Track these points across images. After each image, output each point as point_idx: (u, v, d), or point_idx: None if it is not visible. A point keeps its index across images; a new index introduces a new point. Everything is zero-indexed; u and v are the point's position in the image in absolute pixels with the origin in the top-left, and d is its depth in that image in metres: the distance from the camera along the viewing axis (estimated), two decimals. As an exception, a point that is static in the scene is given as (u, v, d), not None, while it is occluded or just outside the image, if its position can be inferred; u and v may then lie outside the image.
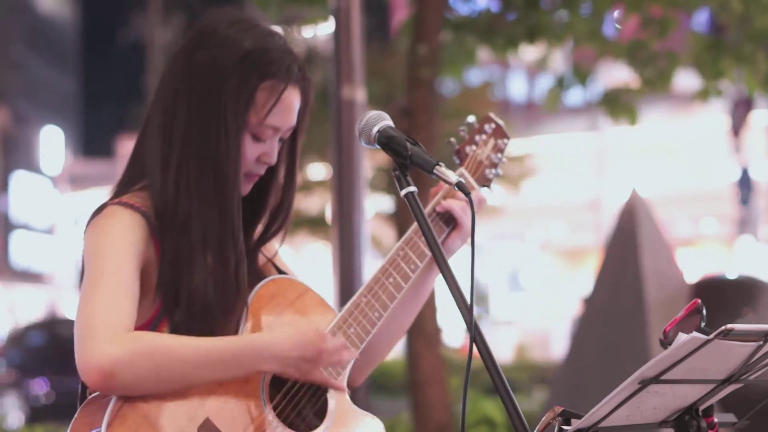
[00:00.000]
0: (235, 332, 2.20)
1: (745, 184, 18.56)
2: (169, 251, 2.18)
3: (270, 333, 2.18)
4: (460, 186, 2.07)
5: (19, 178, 46.89)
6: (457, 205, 2.43)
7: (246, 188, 2.27)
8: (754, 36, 7.14)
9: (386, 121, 2.17)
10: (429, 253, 2.37)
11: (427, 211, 2.41)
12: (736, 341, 1.79)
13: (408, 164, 2.12)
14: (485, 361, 1.94)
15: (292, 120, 2.27)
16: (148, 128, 2.27)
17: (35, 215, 47.92)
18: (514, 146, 2.62)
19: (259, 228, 2.37)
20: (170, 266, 2.17)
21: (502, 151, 2.54)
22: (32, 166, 48.77)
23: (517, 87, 29.26)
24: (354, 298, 2.30)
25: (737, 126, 17.39)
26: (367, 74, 6.12)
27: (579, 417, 1.84)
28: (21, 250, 46.23)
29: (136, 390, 2.03)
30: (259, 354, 2.10)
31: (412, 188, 2.11)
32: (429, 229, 2.09)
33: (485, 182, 2.52)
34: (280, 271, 2.39)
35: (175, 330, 2.16)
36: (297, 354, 2.12)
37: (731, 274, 6.24)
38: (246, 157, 2.23)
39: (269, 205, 2.36)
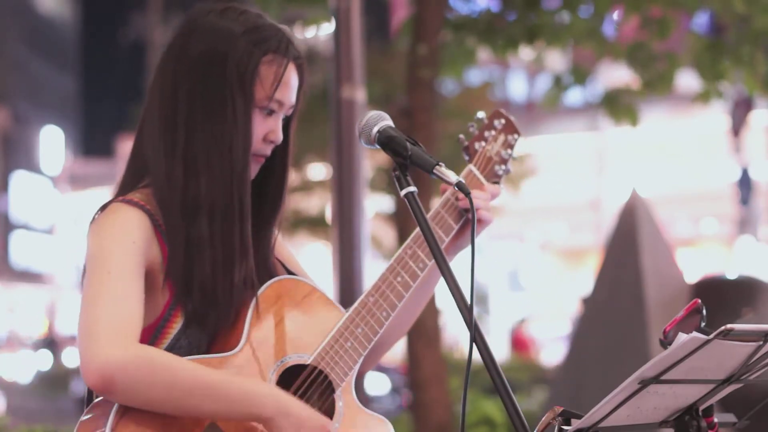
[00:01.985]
0: (241, 324, 2.17)
1: (745, 184, 18.56)
2: (180, 240, 2.15)
3: (290, 398, 2.10)
4: (459, 186, 2.07)
5: (19, 178, 46.93)
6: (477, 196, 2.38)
7: (254, 170, 2.25)
8: (754, 37, 7.13)
9: (386, 121, 2.17)
10: None
11: (435, 209, 2.39)
12: (736, 341, 1.79)
13: (408, 164, 2.12)
14: (485, 361, 1.94)
15: (293, 96, 2.27)
16: (145, 125, 2.25)
17: (35, 215, 47.96)
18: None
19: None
20: (182, 255, 2.15)
21: (512, 146, 2.50)
22: (32, 166, 48.81)
23: (517, 87, 29.27)
24: (361, 297, 2.29)
25: (737, 126, 17.39)
26: (367, 74, 6.11)
27: (579, 417, 1.84)
28: (21, 250, 46.27)
29: (132, 399, 2.01)
30: (267, 406, 2.06)
31: (412, 188, 2.11)
32: (429, 229, 2.09)
33: (495, 178, 2.49)
34: (290, 272, 2.36)
35: (189, 320, 2.14)
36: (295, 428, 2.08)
37: (731, 274, 6.22)
38: (254, 135, 2.21)
39: (270, 192, 2.33)
